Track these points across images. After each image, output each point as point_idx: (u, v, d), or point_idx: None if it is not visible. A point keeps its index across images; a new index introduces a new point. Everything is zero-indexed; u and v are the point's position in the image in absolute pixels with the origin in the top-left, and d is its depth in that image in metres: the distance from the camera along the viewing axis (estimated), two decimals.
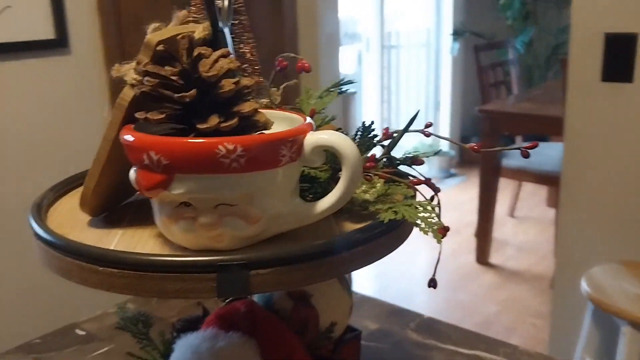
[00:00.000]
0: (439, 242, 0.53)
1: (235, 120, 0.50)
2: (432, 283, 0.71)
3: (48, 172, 1.87)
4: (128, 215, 0.63)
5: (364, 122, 0.61)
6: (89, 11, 1.97)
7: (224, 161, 0.48)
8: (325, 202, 0.53)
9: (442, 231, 0.56)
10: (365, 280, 3.26)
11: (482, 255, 3.41)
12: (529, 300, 3.03)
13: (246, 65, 0.72)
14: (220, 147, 0.48)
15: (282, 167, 0.51)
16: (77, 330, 1.16)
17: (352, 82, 0.81)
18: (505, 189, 3.90)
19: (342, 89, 0.81)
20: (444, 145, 4.64)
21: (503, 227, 3.83)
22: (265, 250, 0.51)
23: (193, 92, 0.49)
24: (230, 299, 0.72)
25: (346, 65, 4.64)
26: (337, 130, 0.69)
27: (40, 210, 0.62)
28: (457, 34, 4.49)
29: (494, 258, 3.44)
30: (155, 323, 0.85)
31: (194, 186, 0.49)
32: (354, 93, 3.69)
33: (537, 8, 4.37)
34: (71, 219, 0.63)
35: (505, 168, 3.29)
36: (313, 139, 0.52)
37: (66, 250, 0.53)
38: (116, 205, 0.65)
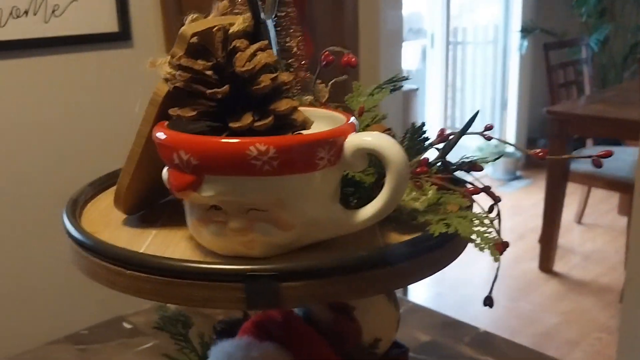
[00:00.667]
0: (497, 260, 0.48)
1: (270, 119, 0.47)
2: (488, 301, 0.65)
3: (109, 165, 1.89)
4: (164, 215, 0.61)
5: (413, 123, 0.56)
6: (151, 4, 1.99)
7: (256, 163, 0.44)
8: (367, 211, 0.49)
9: (500, 247, 0.51)
10: (419, 286, 3.18)
11: (546, 263, 3.27)
12: (595, 312, 2.88)
13: (292, 59, 0.68)
14: (251, 148, 0.44)
15: (319, 171, 0.47)
16: (124, 323, 1.16)
17: (406, 79, 0.76)
18: (573, 193, 3.73)
19: (395, 86, 0.76)
20: (510, 146, 4.49)
21: (569, 233, 3.66)
22: (298, 261, 0.46)
23: (226, 88, 0.46)
24: None
25: (410, 61, 4.55)
26: (386, 130, 0.64)
27: (76, 206, 0.61)
28: (526, 31, 4.33)
29: (558, 266, 3.29)
30: (195, 323, 0.82)
31: (223, 189, 0.46)
32: (416, 89, 3.59)
33: (615, 4, 4.16)
34: (106, 217, 0.61)
35: (573, 172, 3.14)
36: (354, 141, 0.47)
37: (94, 251, 0.51)
38: (153, 203, 0.63)
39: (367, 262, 0.46)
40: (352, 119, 0.51)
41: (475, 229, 0.50)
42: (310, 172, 0.47)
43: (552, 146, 3.19)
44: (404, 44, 3.00)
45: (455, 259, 0.54)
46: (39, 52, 1.79)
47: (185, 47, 0.49)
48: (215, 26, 0.50)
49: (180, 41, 0.49)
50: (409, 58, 4.55)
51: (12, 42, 1.74)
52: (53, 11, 1.80)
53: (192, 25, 0.50)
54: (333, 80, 0.73)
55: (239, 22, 0.52)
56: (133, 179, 0.54)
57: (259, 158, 0.44)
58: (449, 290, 3.09)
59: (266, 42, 0.49)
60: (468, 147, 4.21)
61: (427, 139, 0.57)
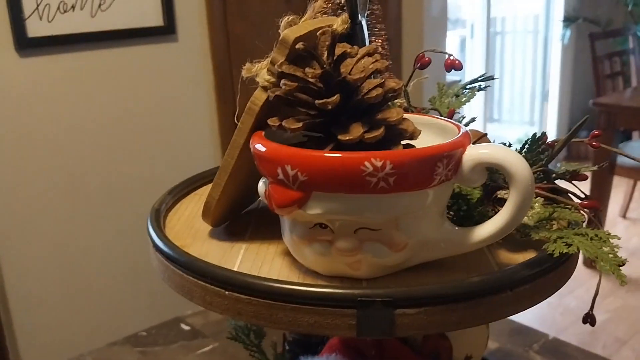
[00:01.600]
0: (623, 283, 0.44)
1: (381, 131, 0.43)
2: (590, 319, 0.61)
3: (153, 158, 1.88)
4: (251, 226, 0.58)
5: (534, 134, 0.52)
6: None
7: (370, 180, 0.41)
8: (486, 230, 0.45)
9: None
10: None
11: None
12: None
13: None
14: (367, 163, 0.40)
15: (434, 188, 0.43)
16: (182, 324, 1.14)
17: (492, 78, 0.72)
18: (618, 187, 3.63)
19: (482, 86, 0.72)
20: (551, 138, 4.38)
21: (614, 228, 3.57)
22: (414, 286, 0.43)
23: (336, 97, 0.42)
24: None
25: (449, 51, 4.47)
26: (483, 136, 0.60)
27: (159, 216, 0.58)
28: (568, 20, 4.21)
29: None
30: (268, 332, 0.80)
31: (333, 207, 0.42)
32: (459, 81, 3.53)
33: None
34: (191, 228, 0.58)
35: (620, 165, 3.05)
36: (474, 154, 0.43)
37: (189, 269, 0.48)
38: (238, 213, 0.60)
39: (489, 287, 0.43)
40: (464, 128, 0.47)
41: (599, 249, 0.45)
42: (426, 189, 0.43)
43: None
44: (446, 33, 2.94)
45: (568, 280, 0.50)
46: (86, 47, 1.79)
47: (287, 52, 0.45)
48: (317, 29, 0.46)
49: (282, 46, 0.46)
50: (449, 48, 4.47)
51: (60, 37, 1.74)
52: (99, 5, 1.79)
53: (293, 29, 0.46)
54: (414, 81, 0.69)
55: (339, 23, 0.49)
56: (224, 191, 0.51)
57: (374, 174, 0.41)
58: None
59: (374, 46, 0.46)
60: (504, 138, 4.12)
61: (546, 149, 0.53)
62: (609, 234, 0.48)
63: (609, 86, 3.51)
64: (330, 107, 0.42)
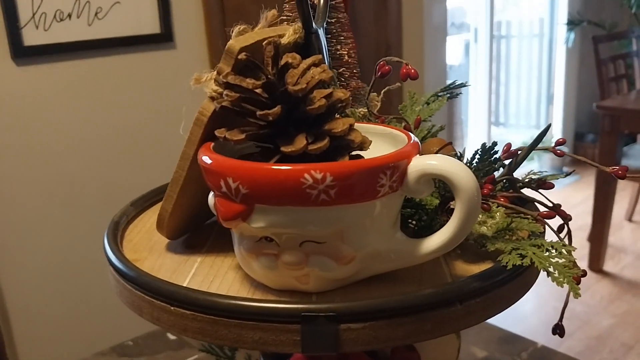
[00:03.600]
0: (577, 296, 0.43)
1: (325, 142, 0.42)
2: (558, 330, 0.60)
3: (151, 166, 1.88)
4: (209, 239, 0.57)
5: (484, 144, 0.51)
6: (194, 5, 1.97)
7: (311, 192, 0.40)
8: (435, 242, 0.44)
9: (577, 278, 0.46)
10: None
11: (596, 262, 3.16)
12: None
13: (343, 68, 0.64)
14: (306, 175, 0.39)
15: (380, 199, 0.42)
16: (169, 334, 1.13)
17: (464, 85, 0.71)
18: (623, 190, 3.60)
19: (452, 93, 0.71)
20: (553, 142, 4.35)
21: (620, 232, 3.54)
22: (359, 300, 0.42)
23: (277, 109, 0.42)
24: None
25: (453, 56, 4.45)
26: (446, 145, 0.59)
27: (117, 230, 0.57)
28: (572, 23, 4.18)
29: (608, 266, 3.18)
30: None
31: (276, 220, 0.42)
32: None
33: None
34: (150, 241, 0.57)
35: None
36: (419, 165, 0.42)
37: (137, 284, 0.47)
38: (197, 226, 0.59)
39: (436, 300, 0.42)
40: (414, 138, 0.46)
41: (554, 260, 0.44)
42: (371, 201, 0.42)
43: (603, 142, 3.08)
44: (447, 38, 2.93)
45: (526, 293, 0.49)
46: (83, 55, 1.79)
47: (233, 62, 0.45)
48: (264, 39, 0.45)
49: (227, 56, 0.45)
50: (452, 53, 4.45)
51: (57, 45, 1.74)
52: (96, 14, 1.79)
53: (239, 39, 0.45)
54: (386, 89, 0.68)
55: (290, 33, 0.48)
56: (177, 203, 0.51)
57: (315, 187, 0.40)
58: None
59: (320, 56, 0.45)
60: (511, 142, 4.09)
61: (497, 160, 0.51)
62: (564, 244, 0.46)
63: (613, 89, 3.49)
64: (271, 118, 0.42)
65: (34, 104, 1.71)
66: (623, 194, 3.56)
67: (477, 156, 0.50)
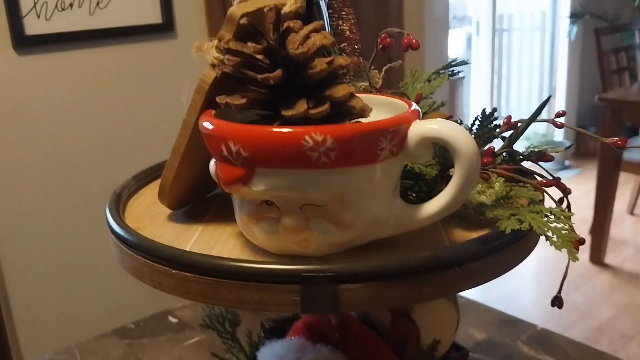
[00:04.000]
0: (575, 259, 0.43)
1: (326, 106, 0.43)
2: (557, 302, 0.61)
3: (155, 155, 1.88)
4: (211, 209, 0.58)
5: (484, 110, 0.52)
6: None
7: (312, 155, 0.40)
8: (433, 206, 0.44)
9: (576, 244, 0.46)
10: None
11: (597, 255, 3.16)
12: None
13: (345, 44, 0.64)
14: (307, 138, 0.40)
15: (381, 163, 0.43)
16: (170, 317, 1.14)
17: (465, 63, 0.71)
18: (625, 183, 3.60)
19: (454, 71, 0.71)
20: (558, 134, 4.36)
21: (621, 224, 3.54)
22: (358, 261, 0.42)
23: (278, 72, 0.42)
24: None
25: (455, 49, 4.45)
26: (447, 118, 0.60)
27: (120, 201, 0.58)
28: (575, 16, 4.17)
29: (609, 258, 3.18)
30: (243, 321, 0.80)
31: (276, 183, 0.42)
32: (462, 78, 3.50)
33: None
34: (151, 212, 0.58)
35: (626, 161, 3.03)
36: (419, 129, 0.43)
37: (138, 249, 0.48)
38: (199, 197, 0.59)
39: (434, 263, 0.42)
40: (415, 105, 0.47)
41: (552, 225, 0.45)
42: (371, 164, 0.42)
43: (604, 134, 3.07)
44: (448, 31, 2.93)
45: (526, 258, 0.49)
46: (84, 45, 1.79)
47: (234, 29, 0.45)
48: (266, 6, 0.46)
49: (229, 23, 0.45)
50: (454, 46, 4.44)
51: (58, 34, 1.74)
52: (97, 3, 1.79)
53: (241, 5, 0.46)
54: (387, 66, 0.69)
55: (291, 2, 0.48)
56: (178, 172, 0.51)
57: (316, 149, 0.40)
58: (497, 282, 3.00)
59: (321, 22, 0.45)
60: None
61: (497, 126, 0.52)
62: (563, 210, 0.47)
63: (616, 81, 3.48)
64: (272, 82, 0.42)
65: (35, 93, 1.71)
66: (625, 187, 3.55)
67: (477, 122, 0.51)
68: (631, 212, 3.67)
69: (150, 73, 1.91)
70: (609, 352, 2.55)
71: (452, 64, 0.71)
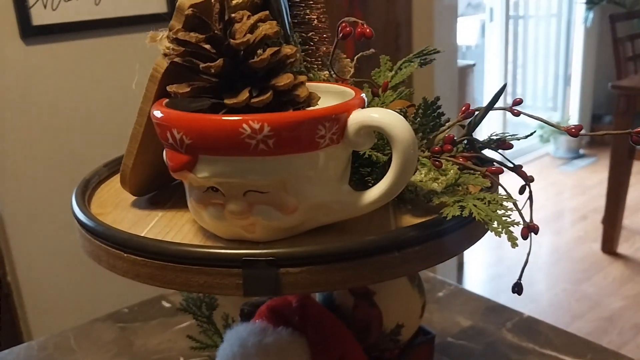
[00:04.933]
0: (514, 245, 0.44)
1: (268, 95, 0.44)
2: (517, 288, 0.61)
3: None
4: (174, 196, 0.59)
5: (424, 98, 0.52)
6: None
7: (250, 142, 0.41)
8: (373, 193, 0.45)
9: (525, 231, 0.47)
10: (475, 267, 3.10)
11: (610, 244, 3.13)
12: None
13: (312, 33, 0.65)
14: (244, 125, 0.41)
15: (322, 150, 0.44)
16: (164, 302, 1.16)
17: (437, 52, 0.71)
18: (639, 172, 3.56)
19: (425, 59, 0.71)
20: (573, 123, 4.30)
21: (634, 215, 3.50)
22: (298, 245, 0.44)
23: (219, 62, 0.43)
24: None
25: (469, 37, 4.41)
26: (409, 107, 0.60)
27: (87, 187, 0.60)
28: (591, 2, 4.11)
29: (622, 248, 3.15)
30: (220, 305, 0.81)
31: (218, 169, 0.43)
32: (473, 65, 3.47)
33: None
34: (117, 198, 0.59)
35: None
36: (358, 118, 0.44)
37: (94, 233, 0.49)
38: (163, 183, 0.61)
39: (371, 247, 0.43)
40: (362, 94, 0.48)
41: (494, 212, 0.45)
42: (312, 152, 0.43)
43: (617, 122, 3.04)
44: (462, 19, 2.91)
45: (474, 243, 0.50)
46: (90, 34, 1.81)
47: (184, 20, 0.46)
48: None
49: (178, 13, 0.47)
50: (468, 33, 4.41)
51: (65, 24, 1.77)
52: None
53: None
54: (359, 55, 0.69)
55: None
56: (137, 159, 0.53)
57: (253, 136, 0.41)
58: (507, 271, 3.00)
59: (267, 12, 0.46)
60: (527, 124, 4.06)
61: (442, 114, 0.52)
62: (506, 197, 0.48)
63: (631, 69, 3.43)
64: (213, 70, 0.43)
65: (43, 82, 1.74)
66: (639, 176, 3.52)
67: (420, 111, 0.51)
68: None
69: (155, 61, 1.93)
70: (618, 342, 2.54)
71: (425, 51, 0.71)
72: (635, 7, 3.94)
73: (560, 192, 3.88)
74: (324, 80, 0.59)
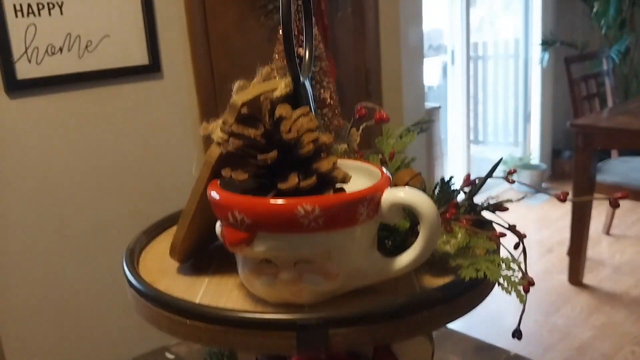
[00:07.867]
0: (522, 301, 0.52)
1: (313, 179, 0.52)
2: (517, 334, 0.69)
3: (141, 194, 1.94)
4: (214, 262, 0.66)
5: (442, 178, 0.61)
6: (179, 36, 2.04)
7: (304, 221, 0.49)
8: (404, 259, 0.53)
9: (526, 287, 0.55)
10: None
11: (576, 276, 3.25)
12: (628, 325, 2.86)
13: (326, 109, 0.74)
14: (299, 208, 0.49)
15: (360, 225, 0.52)
16: (167, 353, 1.21)
17: (432, 122, 0.81)
18: (600, 205, 3.71)
19: (422, 128, 0.80)
20: (535, 158, 4.48)
21: (598, 245, 3.64)
22: (344, 309, 0.51)
23: (273, 153, 0.51)
24: None
25: (431, 78, 4.59)
26: (416, 176, 0.69)
27: (133, 256, 0.66)
28: (546, 44, 4.33)
29: (588, 279, 3.27)
30: (240, 357, 0.87)
31: (274, 244, 0.51)
32: (439, 107, 3.63)
33: (634, 15, 4.16)
34: (161, 265, 0.66)
35: (600, 184, 3.14)
36: (390, 197, 0.52)
37: (156, 301, 0.56)
38: (203, 250, 0.68)
39: (408, 307, 0.51)
40: (386, 172, 0.56)
41: (503, 273, 0.54)
42: (352, 227, 0.51)
43: (577, 159, 3.18)
44: (424, 60, 3.04)
45: (484, 299, 0.58)
46: (74, 87, 1.86)
47: (236, 115, 0.54)
48: (261, 94, 0.55)
49: (231, 110, 0.54)
50: (430, 75, 4.58)
51: (49, 78, 1.81)
52: (86, 47, 1.86)
53: (240, 94, 0.55)
54: (364, 125, 0.78)
55: (281, 87, 0.58)
56: (188, 232, 0.60)
57: (307, 216, 0.49)
58: (479, 306, 3.08)
59: (307, 108, 0.54)
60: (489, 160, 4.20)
61: (455, 191, 0.61)
62: (513, 260, 0.56)
63: (587, 107, 3.61)
64: (269, 161, 0.51)
65: (27, 135, 1.77)
66: (600, 208, 3.67)
67: (438, 188, 0.60)
68: (607, 233, 3.78)
69: (138, 113, 1.97)
70: None
71: (420, 122, 0.80)
72: (586, 48, 4.17)
73: (525, 225, 4.02)
74: (343, 153, 0.67)
